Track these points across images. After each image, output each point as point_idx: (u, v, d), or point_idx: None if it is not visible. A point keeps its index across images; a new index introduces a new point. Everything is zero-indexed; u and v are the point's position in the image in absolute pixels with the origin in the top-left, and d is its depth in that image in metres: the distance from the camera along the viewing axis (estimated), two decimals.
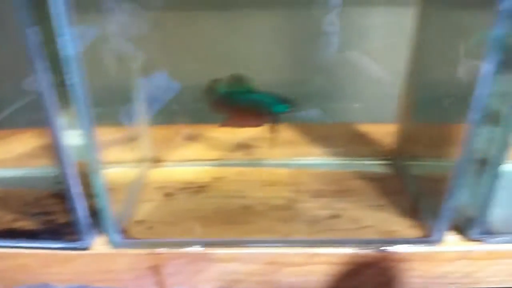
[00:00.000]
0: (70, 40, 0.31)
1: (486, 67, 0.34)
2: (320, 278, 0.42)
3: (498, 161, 0.39)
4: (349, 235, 0.43)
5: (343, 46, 0.54)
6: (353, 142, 0.56)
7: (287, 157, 0.54)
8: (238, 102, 0.48)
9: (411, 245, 0.42)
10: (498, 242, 0.42)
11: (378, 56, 0.53)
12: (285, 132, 0.55)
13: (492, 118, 0.38)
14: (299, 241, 0.42)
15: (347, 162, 0.54)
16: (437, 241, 0.42)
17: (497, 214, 0.43)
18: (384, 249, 0.42)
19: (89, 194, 0.39)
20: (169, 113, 0.52)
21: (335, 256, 0.42)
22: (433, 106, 0.45)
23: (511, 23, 0.32)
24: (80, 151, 0.36)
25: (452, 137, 0.39)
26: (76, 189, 0.38)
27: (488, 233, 0.42)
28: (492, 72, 0.34)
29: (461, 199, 0.44)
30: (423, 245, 0.42)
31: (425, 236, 0.43)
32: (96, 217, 0.40)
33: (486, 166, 0.40)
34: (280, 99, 0.48)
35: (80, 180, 0.39)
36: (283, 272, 0.42)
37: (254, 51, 0.57)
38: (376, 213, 0.46)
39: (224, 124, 0.49)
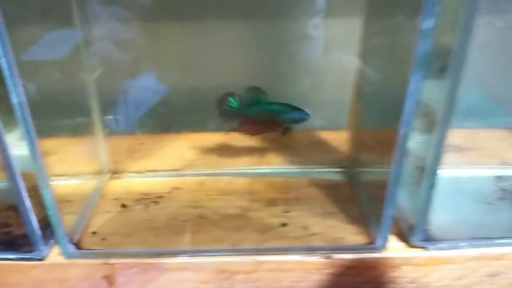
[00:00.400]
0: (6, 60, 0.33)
1: (412, 82, 0.36)
2: (269, 285, 0.44)
3: (434, 168, 0.41)
4: (297, 243, 0.45)
5: (300, 55, 0.57)
6: (309, 150, 0.58)
7: (245, 166, 0.56)
8: (254, 113, 0.51)
9: (356, 252, 0.44)
10: (439, 249, 0.44)
11: (332, 64, 0.56)
12: (244, 142, 0.57)
13: (427, 124, 0.40)
14: (248, 249, 0.44)
15: (303, 170, 0.56)
16: (381, 248, 0.44)
17: (437, 221, 0.45)
18: (329, 256, 0.43)
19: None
20: (132, 123, 0.55)
21: (283, 263, 0.43)
22: (377, 113, 0.47)
23: (431, 41, 0.34)
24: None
25: (390, 145, 0.41)
26: (26, 202, 0.40)
27: (429, 239, 0.44)
28: (419, 87, 0.36)
29: (405, 206, 0.46)
30: (367, 251, 0.44)
31: (369, 243, 0.45)
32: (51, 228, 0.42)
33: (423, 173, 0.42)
34: (295, 108, 0.51)
35: (36, 192, 0.41)
36: (233, 280, 0.44)
37: (219, 60, 0.60)
38: (326, 221, 0.48)
39: (237, 130, 0.51)
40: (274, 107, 0.51)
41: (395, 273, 0.45)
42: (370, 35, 0.48)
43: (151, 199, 0.50)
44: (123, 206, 0.49)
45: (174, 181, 0.53)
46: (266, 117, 0.51)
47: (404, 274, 0.45)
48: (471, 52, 0.36)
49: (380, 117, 0.46)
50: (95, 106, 0.52)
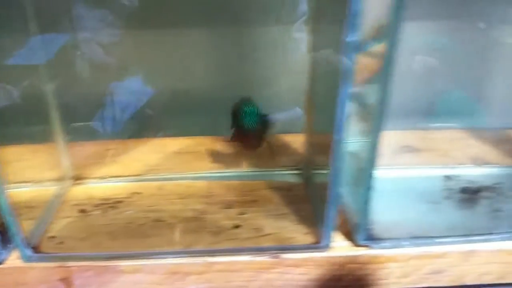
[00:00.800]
0: None
1: (341, 92, 0.39)
2: (220, 285, 0.47)
3: (370, 169, 0.43)
4: (249, 244, 0.48)
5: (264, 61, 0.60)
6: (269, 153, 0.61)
7: (205, 170, 0.59)
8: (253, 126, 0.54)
9: (303, 251, 0.47)
10: (383, 247, 0.47)
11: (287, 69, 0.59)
12: (202, 146, 0.60)
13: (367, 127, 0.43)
14: (200, 251, 0.47)
15: (262, 173, 0.59)
16: (326, 247, 0.47)
17: (382, 220, 0.48)
18: (277, 256, 0.46)
19: None
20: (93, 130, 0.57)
21: (233, 263, 0.46)
22: (324, 117, 0.50)
23: (356, 53, 0.37)
24: None
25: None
26: None
27: (373, 239, 0.47)
28: (347, 97, 0.39)
29: (350, 206, 0.49)
30: (313, 251, 0.47)
31: (315, 243, 0.47)
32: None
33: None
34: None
35: None
36: (185, 281, 0.46)
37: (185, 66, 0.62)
38: (278, 222, 0.51)
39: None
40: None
41: (341, 271, 0.47)
42: (316, 40, 0.51)
43: (110, 204, 0.53)
44: (82, 211, 0.51)
45: (135, 186, 0.56)
46: (258, 130, 0.54)
47: (350, 272, 0.47)
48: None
49: (325, 121, 0.49)
50: (55, 114, 0.54)
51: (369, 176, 0.43)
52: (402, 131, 0.65)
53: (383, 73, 0.39)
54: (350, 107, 0.40)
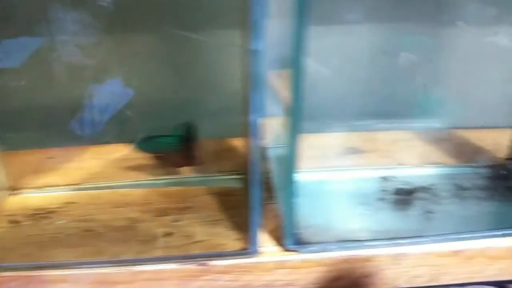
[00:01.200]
0: None
1: (252, 99, 0.40)
2: None
3: (290, 173, 0.44)
4: (178, 252, 0.49)
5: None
6: (210, 158, 0.62)
7: (143, 178, 0.59)
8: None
9: (231, 257, 0.47)
10: (311, 252, 0.48)
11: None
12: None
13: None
14: (126, 260, 0.47)
15: (203, 178, 0.60)
16: (254, 252, 0.47)
17: (312, 224, 0.49)
18: (204, 263, 0.47)
19: None
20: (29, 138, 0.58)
21: (160, 272, 0.47)
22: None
23: (262, 61, 0.38)
24: None
25: None
26: None
27: (301, 243, 0.48)
28: (259, 103, 0.40)
29: (281, 211, 0.50)
30: (241, 257, 0.47)
31: (244, 249, 0.48)
32: None
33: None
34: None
35: None
36: None
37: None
38: (212, 228, 0.51)
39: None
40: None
41: (270, 277, 0.48)
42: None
43: (43, 214, 0.53)
44: (14, 222, 0.52)
45: (71, 195, 0.56)
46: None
47: (280, 277, 0.48)
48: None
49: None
50: None
51: (291, 180, 0.44)
52: (347, 133, 0.66)
53: (293, 78, 0.39)
54: (264, 112, 0.41)
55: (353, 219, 0.51)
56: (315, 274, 0.48)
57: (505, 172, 0.58)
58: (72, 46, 0.55)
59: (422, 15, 0.63)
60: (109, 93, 0.56)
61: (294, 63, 0.38)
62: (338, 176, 0.59)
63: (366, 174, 0.58)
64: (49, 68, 0.56)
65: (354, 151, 0.64)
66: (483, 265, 0.49)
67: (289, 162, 0.43)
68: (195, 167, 0.59)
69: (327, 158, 0.63)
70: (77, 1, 0.52)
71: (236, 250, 0.48)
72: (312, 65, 0.63)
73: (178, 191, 0.57)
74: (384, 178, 0.57)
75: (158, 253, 0.48)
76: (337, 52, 0.64)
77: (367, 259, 0.48)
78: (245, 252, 0.47)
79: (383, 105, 0.66)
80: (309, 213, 0.50)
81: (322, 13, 0.60)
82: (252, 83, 0.38)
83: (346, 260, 0.48)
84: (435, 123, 0.66)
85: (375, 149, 0.63)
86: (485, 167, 0.59)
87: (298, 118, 0.41)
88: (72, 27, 0.53)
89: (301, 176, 0.56)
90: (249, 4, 0.35)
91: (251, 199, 0.44)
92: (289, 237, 0.47)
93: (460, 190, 0.55)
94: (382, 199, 0.53)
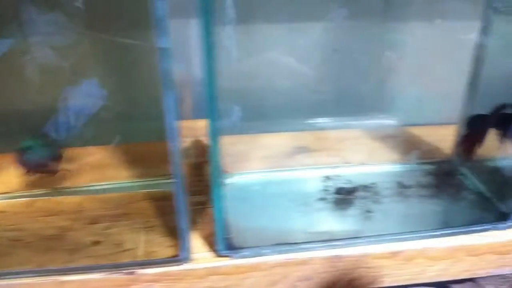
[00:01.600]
0: None
1: (165, 99, 0.39)
2: None
3: (216, 177, 0.43)
4: (107, 260, 0.47)
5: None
6: (149, 162, 0.61)
7: (81, 184, 0.58)
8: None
9: (161, 265, 0.46)
10: (244, 257, 0.47)
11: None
12: (85, 158, 0.60)
13: None
14: (51, 270, 0.46)
15: (142, 183, 0.59)
16: (185, 259, 0.47)
17: (246, 227, 0.48)
18: (132, 272, 0.46)
19: None
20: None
21: (86, 282, 0.46)
22: None
23: (171, 59, 0.37)
24: None
25: None
26: None
27: (233, 248, 0.47)
28: (173, 103, 0.39)
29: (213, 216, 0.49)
30: (172, 264, 0.47)
31: (175, 256, 0.47)
32: None
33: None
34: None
35: None
36: None
37: None
38: (143, 235, 0.50)
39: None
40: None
41: (203, 284, 0.47)
42: None
43: None
44: None
45: (2, 204, 0.55)
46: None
47: (213, 284, 0.47)
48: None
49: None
50: None
51: (217, 183, 0.44)
52: (298, 132, 0.66)
53: (205, 78, 0.39)
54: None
55: (291, 221, 0.51)
56: (250, 279, 0.48)
57: (449, 169, 0.58)
58: (46, 47, 0.54)
59: (373, 11, 0.63)
60: (85, 95, 0.55)
61: (205, 64, 0.37)
62: (282, 176, 0.58)
63: (311, 174, 0.58)
64: (21, 70, 0.55)
65: (302, 150, 0.63)
66: (423, 266, 0.49)
67: (213, 165, 0.43)
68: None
69: (275, 159, 0.63)
70: (49, 2, 0.51)
71: (166, 258, 0.47)
72: (263, 64, 0.63)
73: (114, 197, 0.56)
74: (327, 178, 0.56)
75: (85, 262, 0.47)
76: (288, 51, 0.64)
77: (303, 262, 0.47)
78: (175, 259, 0.46)
79: (335, 103, 0.66)
80: (245, 216, 0.50)
81: (268, 10, 0.60)
82: (162, 82, 0.37)
83: (282, 264, 0.47)
84: (387, 120, 0.66)
85: (323, 148, 0.63)
86: (429, 164, 0.58)
87: (216, 120, 0.40)
88: (45, 28, 0.53)
89: (244, 178, 0.56)
90: (152, 0, 0.35)
91: (176, 203, 0.43)
92: (220, 242, 0.46)
93: (402, 188, 0.54)
94: (322, 199, 0.53)
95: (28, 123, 0.59)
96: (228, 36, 0.51)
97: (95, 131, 0.58)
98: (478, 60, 0.55)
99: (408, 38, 0.64)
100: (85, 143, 0.62)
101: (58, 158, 0.57)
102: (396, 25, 0.64)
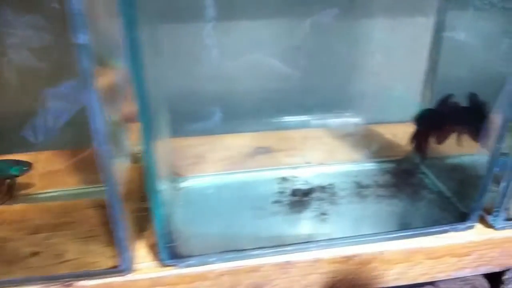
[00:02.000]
0: None
1: (86, 98, 0.37)
2: None
3: (152, 184, 0.41)
4: (44, 272, 0.45)
5: None
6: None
7: (29, 192, 0.56)
8: None
9: (101, 276, 0.45)
10: (190, 266, 0.45)
11: None
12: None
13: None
14: None
15: (92, 189, 0.57)
16: (126, 270, 0.45)
17: (194, 234, 0.46)
18: (70, 284, 0.44)
19: None
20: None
21: None
22: None
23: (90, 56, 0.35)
24: None
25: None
26: None
27: (177, 257, 0.45)
28: (96, 103, 0.37)
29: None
30: (113, 275, 0.45)
31: (115, 266, 0.45)
32: None
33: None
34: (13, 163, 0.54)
35: None
36: None
37: None
38: (85, 245, 0.48)
39: None
40: None
41: None
42: None
43: None
44: None
45: None
46: None
47: None
48: None
49: None
50: None
51: (154, 189, 0.42)
52: (261, 132, 0.64)
53: (135, 79, 0.37)
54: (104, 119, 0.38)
55: (242, 227, 0.49)
56: None
57: (410, 167, 0.56)
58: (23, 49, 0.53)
59: (336, 8, 0.61)
60: (64, 97, 0.53)
61: (132, 65, 0.36)
62: (239, 178, 0.56)
63: (268, 175, 0.56)
64: None
65: (264, 151, 0.62)
66: (379, 270, 0.47)
67: (149, 171, 0.41)
68: None
69: (235, 160, 0.61)
70: (28, 4, 0.51)
71: (107, 268, 0.45)
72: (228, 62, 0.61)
73: (59, 206, 0.54)
74: (284, 179, 0.54)
75: (22, 274, 0.45)
76: (250, 49, 0.62)
77: (252, 269, 0.46)
78: (115, 270, 0.44)
79: (299, 102, 0.64)
80: (195, 222, 0.48)
81: (231, 8, 0.58)
82: (82, 81, 0.35)
83: (230, 272, 0.45)
84: (352, 118, 0.64)
85: (285, 148, 0.61)
86: (390, 162, 0.57)
87: (149, 125, 0.38)
88: (22, 31, 0.51)
89: (199, 181, 0.54)
90: None
91: (111, 211, 0.41)
92: (163, 251, 0.44)
93: (360, 189, 0.53)
94: (277, 202, 0.51)
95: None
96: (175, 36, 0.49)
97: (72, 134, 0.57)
98: (434, 56, 0.54)
99: (372, 35, 0.62)
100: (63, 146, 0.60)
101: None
102: (360, 22, 0.62)
